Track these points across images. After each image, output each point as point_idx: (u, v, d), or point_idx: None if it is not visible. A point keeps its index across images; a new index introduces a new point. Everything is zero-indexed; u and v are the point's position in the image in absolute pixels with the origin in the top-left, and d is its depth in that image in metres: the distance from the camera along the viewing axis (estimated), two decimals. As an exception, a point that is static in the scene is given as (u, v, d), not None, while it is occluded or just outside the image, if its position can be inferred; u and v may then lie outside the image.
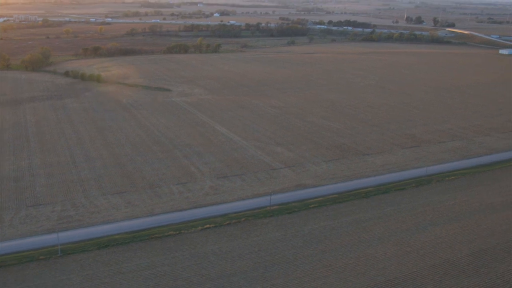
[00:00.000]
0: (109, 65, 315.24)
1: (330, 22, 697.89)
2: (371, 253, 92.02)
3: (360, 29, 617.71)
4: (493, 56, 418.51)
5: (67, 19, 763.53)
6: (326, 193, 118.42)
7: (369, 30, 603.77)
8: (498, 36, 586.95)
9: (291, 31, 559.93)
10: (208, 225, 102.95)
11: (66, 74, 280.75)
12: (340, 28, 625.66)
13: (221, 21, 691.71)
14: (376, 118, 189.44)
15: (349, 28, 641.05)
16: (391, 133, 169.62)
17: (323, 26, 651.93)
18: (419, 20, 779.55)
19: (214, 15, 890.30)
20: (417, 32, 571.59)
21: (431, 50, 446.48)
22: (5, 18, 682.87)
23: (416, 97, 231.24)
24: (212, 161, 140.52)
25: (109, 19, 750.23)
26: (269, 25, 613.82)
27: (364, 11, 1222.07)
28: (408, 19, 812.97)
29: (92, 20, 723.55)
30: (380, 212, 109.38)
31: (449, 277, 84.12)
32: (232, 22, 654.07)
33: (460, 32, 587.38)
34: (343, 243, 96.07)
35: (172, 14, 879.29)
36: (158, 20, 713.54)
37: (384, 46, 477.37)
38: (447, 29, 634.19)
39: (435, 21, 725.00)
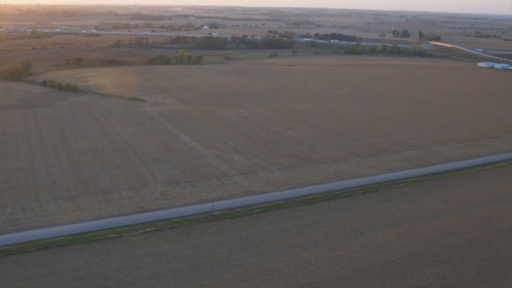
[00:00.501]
0: (89, 76, 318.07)
1: (316, 35, 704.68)
2: (304, 257, 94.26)
3: (345, 42, 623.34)
4: (471, 69, 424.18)
5: (58, 30, 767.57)
6: (272, 199, 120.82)
7: (354, 43, 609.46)
8: (482, 50, 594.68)
9: (276, 44, 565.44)
10: (150, 229, 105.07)
11: (44, 84, 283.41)
12: (326, 41, 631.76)
13: (209, 33, 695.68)
14: (340, 128, 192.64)
15: (335, 41, 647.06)
16: (351, 142, 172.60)
17: (309, 39, 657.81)
18: (405, 34, 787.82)
19: (204, 27, 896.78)
20: (401, 45, 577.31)
21: (411, 63, 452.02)
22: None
23: (385, 108, 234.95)
24: (168, 168, 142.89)
25: (98, 31, 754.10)
26: (255, 37, 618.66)
27: (354, 24, 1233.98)
28: (395, 33, 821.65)
29: (82, 31, 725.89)
30: (321, 218, 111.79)
31: (375, 280, 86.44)
32: (215, 34, 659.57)
33: (443, 46, 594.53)
34: (278, 246, 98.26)
35: (162, 27, 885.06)
36: (149, 32, 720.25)
37: (366, 59, 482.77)
38: (431, 42, 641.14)
39: (421, 34, 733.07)
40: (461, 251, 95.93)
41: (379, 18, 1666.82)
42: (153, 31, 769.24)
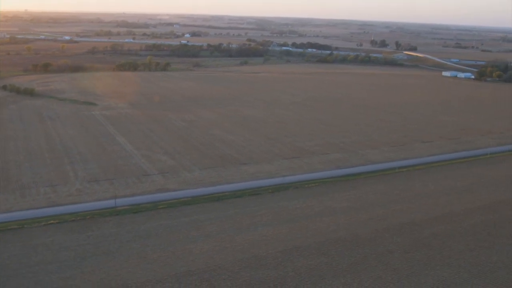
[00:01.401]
0: (51, 81, 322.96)
1: (293, 44, 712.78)
2: (190, 248, 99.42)
3: (319, 51, 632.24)
4: (435, 77, 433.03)
5: (42, 36, 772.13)
6: (181, 197, 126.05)
7: (327, 52, 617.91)
8: (457, 60, 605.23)
9: (250, 52, 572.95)
10: (52, 221, 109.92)
11: (4, 88, 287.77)
12: (301, 50, 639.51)
13: (187, 41, 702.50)
14: (277, 132, 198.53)
15: (312, 50, 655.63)
16: (282, 145, 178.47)
17: (285, 48, 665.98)
18: (383, 44, 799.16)
19: (185, 35, 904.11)
20: (374, 55, 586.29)
21: (378, 72, 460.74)
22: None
23: (331, 114, 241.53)
24: (93, 167, 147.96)
25: (79, 38, 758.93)
26: (230, 45, 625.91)
27: (338, 34, 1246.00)
28: (373, 42, 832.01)
29: (62, 38, 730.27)
30: (222, 214, 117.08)
31: (248, 269, 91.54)
32: (190, 42, 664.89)
33: (416, 55, 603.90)
34: (170, 239, 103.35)
35: (144, 34, 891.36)
36: (131, 40, 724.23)
37: (335, 67, 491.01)
38: (405, 52, 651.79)
39: (397, 44, 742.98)
40: (343, 245, 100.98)
41: (364, 28, 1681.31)
42: (133, 38, 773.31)
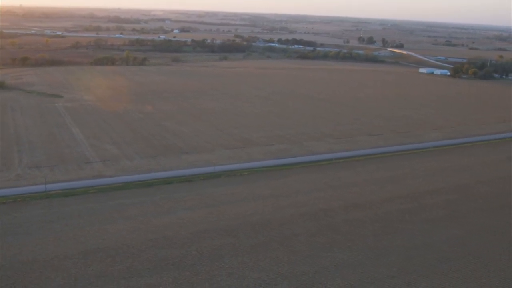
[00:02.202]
0: (26, 74, 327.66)
1: (279, 40, 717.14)
2: (106, 228, 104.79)
3: (302, 47, 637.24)
4: (411, 74, 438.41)
5: (33, 31, 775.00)
6: (113, 182, 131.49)
7: (311, 48, 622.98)
8: (444, 57, 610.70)
9: (233, 48, 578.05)
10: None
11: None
12: (284, 46, 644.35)
13: (174, 37, 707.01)
14: (228, 124, 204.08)
15: (296, 46, 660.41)
16: (229, 136, 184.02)
17: (272, 44, 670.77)
18: (370, 41, 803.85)
19: (174, 31, 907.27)
20: (356, 51, 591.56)
21: (355, 68, 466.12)
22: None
23: (290, 107, 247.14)
24: (39, 155, 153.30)
25: (68, 33, 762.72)
26: (214, 41, 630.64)
27: (330, 31, 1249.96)
28: (360, 39, 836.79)
29: (49, 33, 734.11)
30: (148, 199, 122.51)
31: (155, 248, 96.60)
32: (163, 36, 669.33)
33: (400, 52, 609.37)
34: (90, 220, 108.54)
35: (133, 30, 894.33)
36: (121, 35, 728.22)
37: (315, 63, 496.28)
38: (389, 49, 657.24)
39: (384, 41, 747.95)
40: (252, 229, 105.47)
41: (358, 26, 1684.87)
42: (121, 33, 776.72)
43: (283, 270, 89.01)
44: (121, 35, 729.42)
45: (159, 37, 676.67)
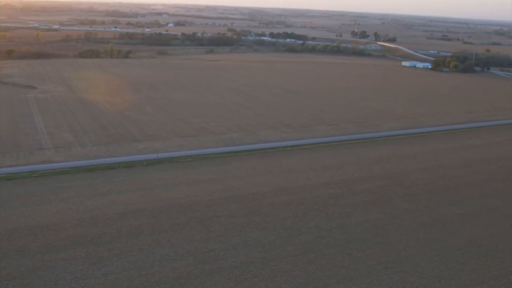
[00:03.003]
0: (8, 66, 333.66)
1: (271, 34, 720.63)
2: (39, 209, 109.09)
3: (292, 41, 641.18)
4: (394, 67, 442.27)
5: (31, 25, 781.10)
6: (59, 167, 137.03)
7: (300, 41, 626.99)
8: (436, 51, 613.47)
9: (222, 41, 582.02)
10: None
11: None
12: (274, 40, 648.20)
13: (166, 30, 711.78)
14: (190, 114, 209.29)
15: (288, 40, 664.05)
16: (186, 125, 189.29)
17: (264, 38, 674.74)
18: (363, 35, 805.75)
19: (169, 25, 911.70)
20: (344, 45, 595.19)
21: (340, 61, 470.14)
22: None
23: (258, 98, 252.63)
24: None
25: (62, 27, 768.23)
26: (204, 35, 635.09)
27: (327, 25, 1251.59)
28: (354, 33, 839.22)
29: (42, 26, 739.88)
30: (87, 183, 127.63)
31: (78, 227, 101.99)
32: (148, 30, 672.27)
33: (388, 46, 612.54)
34: (27, 201, 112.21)
35: (128, 23, 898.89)
36: (117, 29, 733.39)
37: (300, 56, 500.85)
38: (379, 43, 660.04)
39: (376, 35, 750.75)
40: (176, 210, 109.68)
41: (357, 20, 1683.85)
42: (115, 27, 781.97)
43: (192, 247, 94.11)
44: (117, 29, 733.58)
45: (144, 30, 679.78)
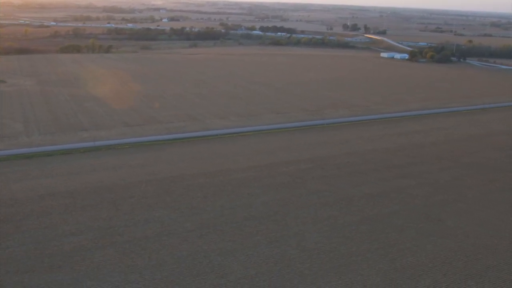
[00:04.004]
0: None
1: (261, 28, 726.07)
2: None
3: (279, 34, 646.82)
4: (371, 58, 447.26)
5: (20, 21, 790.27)
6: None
7: (287, 35, 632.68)
8: (425, 43, 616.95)
9: (208, 35, 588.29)
10: None
11: None
12: (261, 33, 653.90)
13: (158, 26, 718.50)
14: (145, 105, 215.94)
15: (277, 33, 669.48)
16: (137, 115, 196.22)
17: (254, 32, 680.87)
18: (354, 28, 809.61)
19: (163, 20, 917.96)
20: (330, 37, 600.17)
21: (320, 53, 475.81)
22: None
23: (219, 89, 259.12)
24: None
25: (56, 23, 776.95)
26: (193, 29, 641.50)
27: (324, 19, 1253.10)
28: (345, 26, 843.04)
29: (33, 22, 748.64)
30: (20, 168, 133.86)
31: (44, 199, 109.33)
32: (131, 25, 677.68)
33: (375, 38, 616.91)
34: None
35: (123, 19, 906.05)
36: (113, 24, 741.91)
37: (283, 49, 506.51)
38: (366, 35, 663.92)
39: (366, 28, 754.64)
40: (95, 192, 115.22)
41: (356, 13, 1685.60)
42: (108, 23, 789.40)
43: (95, 224, 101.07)
44: (112, 25, 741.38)
45: (127, 25, 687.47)
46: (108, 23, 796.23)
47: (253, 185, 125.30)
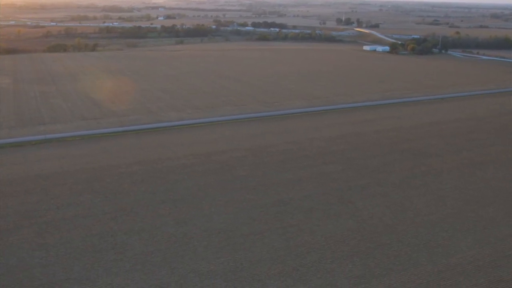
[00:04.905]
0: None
1: (253, 24, 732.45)
2: None
3: (271, 30, 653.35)
4: (352, 51, 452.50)
5: (11, 22, 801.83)
6: None
7: (274, 29, 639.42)
8: (418, 36, 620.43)
9: (197, 32, 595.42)
10: None
11: None
12: (249, 29, 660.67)
13: (151, 23, 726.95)
14: (109, 99, 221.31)
15: (268, 29, 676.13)
16: (97, 109, 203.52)
17: (244, 28, 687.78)
18: (348, 22, 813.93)
19: (159, 18, 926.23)
20: (318, 32, 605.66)
21: (304, 47, 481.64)
22: None
23: (186, 83, 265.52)
24: None
25: (54, 23, 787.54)
26: (183, 26, 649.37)
27: (322, 14, 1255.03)
28: (338, 21, 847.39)
29: (29, 23, 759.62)
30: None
31: None
32: (116, 23, 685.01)
33: (363, 31, 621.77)
34: None
35: (120, 18, 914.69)
36: (118, 24, 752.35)
37: (266, 44, 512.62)
38: (356, 29, 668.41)
39: (359, 22, 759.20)
40: (30, 181, 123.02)
41: (356, 8, 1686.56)
42: (103, 22, 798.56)
43: (23, 208, 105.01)
44: (110, 23, 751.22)
45: (112, 24, 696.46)
46: (104, 22, 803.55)
47: (182, 172, 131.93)
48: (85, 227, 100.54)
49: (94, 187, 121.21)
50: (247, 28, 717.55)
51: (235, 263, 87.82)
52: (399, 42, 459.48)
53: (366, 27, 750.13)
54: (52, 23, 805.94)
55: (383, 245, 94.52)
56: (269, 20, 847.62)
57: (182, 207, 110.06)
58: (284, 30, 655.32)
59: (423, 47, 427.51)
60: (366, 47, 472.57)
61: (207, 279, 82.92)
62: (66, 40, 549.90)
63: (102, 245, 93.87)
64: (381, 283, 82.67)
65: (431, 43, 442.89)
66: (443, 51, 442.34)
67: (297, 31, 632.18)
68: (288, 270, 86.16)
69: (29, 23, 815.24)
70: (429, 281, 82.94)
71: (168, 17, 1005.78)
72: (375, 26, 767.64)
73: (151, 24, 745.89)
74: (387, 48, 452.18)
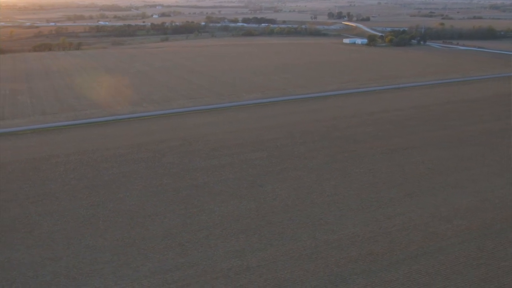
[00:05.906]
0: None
1: (244, 19, 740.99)
2: None
3: (262, 25, 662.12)
4: (331, 45, 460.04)
5: (3, 23, 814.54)
6: None
7: (265, 25, 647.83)
8: (404, 29, 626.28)
9: (185, 29, 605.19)
10: None
11: None
12: (239, 25, 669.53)
13: (143, 21, 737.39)
14: (73, 94, 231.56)
15: (259, 24, 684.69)
16: (59, 105, 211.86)
17: (235, 24, 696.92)
18: (340, 16, 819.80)
19: (153, 16, 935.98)
20: (303, 26, 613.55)
21: (287, 42, 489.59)
22: None
23: (152, 79, 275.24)
24: None
25: (50, 24, 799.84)
26: (173, 24, 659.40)
27: (319, 9, 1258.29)
28: (330, 15, 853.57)
29: (27, 24, 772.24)
30: None
31: None
32: (102, 23, 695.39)
33: (350, 25, 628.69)
34: None
35: (115, 17, 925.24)
36: (108, 23, 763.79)
37: (250, 40, 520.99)
38: (344, 22, 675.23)
39: (349, 16, 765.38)
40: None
41: (354, 2, 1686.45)
42: (97, 21, 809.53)
43: None
44: (106, 23, 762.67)
45: (98, 22, 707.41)
46: (98, 21, 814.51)
47: (114, 160, 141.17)
48: (6, 210, 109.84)
49: (28, 175, 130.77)
50: (237, 24, 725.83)
51: (129, 239, 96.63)
52: (379, 34, 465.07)
53: (357, 21, 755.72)
54: (51, 23, 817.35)
55: (273, 223, 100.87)
56: (265, 16, 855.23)
57: (100, 192, 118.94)
58: (272, 26, 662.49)
59: (400, 39, 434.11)
60: (345, 40, 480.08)
61: (97, 253, 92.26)
62: (56, 39, 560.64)
63: (17, 225, 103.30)
64: (255, 257, 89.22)
65: (409, 35, 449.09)
66: (421, 42, 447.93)
67: (284, 26, 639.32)
68: (174, 245, 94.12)
69: (27, 23, 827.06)
70: (302, 255, 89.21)
71: (163, 14, 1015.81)
72: (366, 20, 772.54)
73: (143, 22, 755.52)
74: (365, 40, 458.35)
